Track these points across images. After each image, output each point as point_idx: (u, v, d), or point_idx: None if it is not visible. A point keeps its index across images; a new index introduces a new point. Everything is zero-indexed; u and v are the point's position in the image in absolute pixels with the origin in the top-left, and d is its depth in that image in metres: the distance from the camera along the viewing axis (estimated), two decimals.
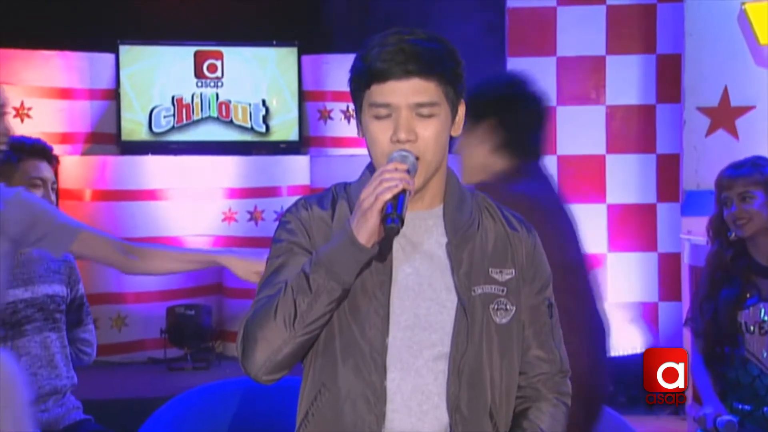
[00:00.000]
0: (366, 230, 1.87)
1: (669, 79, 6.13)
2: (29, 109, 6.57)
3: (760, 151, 4.31)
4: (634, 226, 6.30)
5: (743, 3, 5.70)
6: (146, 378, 6.21)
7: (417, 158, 1.94)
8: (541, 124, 2.79)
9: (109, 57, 6.88)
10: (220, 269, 7.58)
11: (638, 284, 6.30)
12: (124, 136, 6.86)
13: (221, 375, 6.07)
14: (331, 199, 2.07)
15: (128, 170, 6.67)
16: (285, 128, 7.09)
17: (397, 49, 1.94)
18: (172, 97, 6.94)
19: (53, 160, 3.42)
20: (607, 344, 2.68)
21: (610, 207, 6.31)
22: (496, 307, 2.02)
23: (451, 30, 5.88)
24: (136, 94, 6.91)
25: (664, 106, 6.23)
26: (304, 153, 7.10)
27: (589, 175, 6.30)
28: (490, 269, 2.03)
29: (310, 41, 6.99)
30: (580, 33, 6.25)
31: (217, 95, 7.00)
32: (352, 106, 2.13)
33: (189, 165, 6.82)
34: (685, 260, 5.68)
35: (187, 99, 6.96)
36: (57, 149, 3.75)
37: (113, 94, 6.89)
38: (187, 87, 6.96)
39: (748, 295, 3.39)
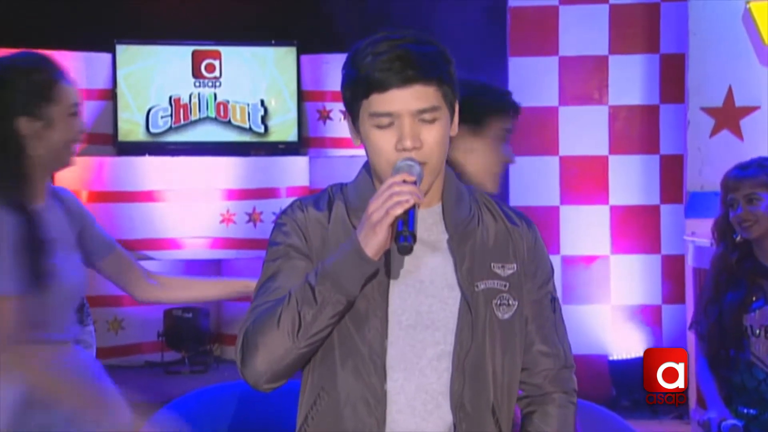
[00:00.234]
0: (375, 244, 1.86)
1: (673, 79, 6.12)
2: None
3: (765, 151, 4.32)
4: (638, 228, 6.29)
5: (748, 2, 5.70)
6: (143, 381, 6.20)
7: (422, 164, 1.93)
8: None
9: (105, 56, 6.88)
10: (218, 270, 7.57)
11: (641, 286, 6.29)
12: (121, 137, 6.85)
13: (219, 378, 6.08)
14: (327, 200, 2.06)
15: (125, 171, 6.66)
16: (284, 129, 7.09)
17: (393, 57, 1.92)
18: (170, 98, 6.94)
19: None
20: None
21: (613, 208, 6.30)
22: (498, 302, 2.02)
23: (452, 29, 5.87)
24: (133, 94, 6.90)
25: (667, 107, 6.23)
26: (303, 154, 7.10)
27: (592, 176, 6.30)
28: (492, 264, 2.03)
29: (310, 41, 6.99)
30: (583, 32, 6.24)
31: (215, 95, 7.00)
32: None
33: (187, 166, 6.82)
34: (689, 262, 5.67)
35: (185, 99, 6.96)
36: None
37: (110, 94, 6.89)
38: (184, 87, 6.96)
39: (753, 298, 3.39)
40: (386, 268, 1.97)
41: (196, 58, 6.97)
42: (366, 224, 1.86)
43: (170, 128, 6.93)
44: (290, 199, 6.59)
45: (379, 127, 1.95)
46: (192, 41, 6.95)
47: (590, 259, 6.29)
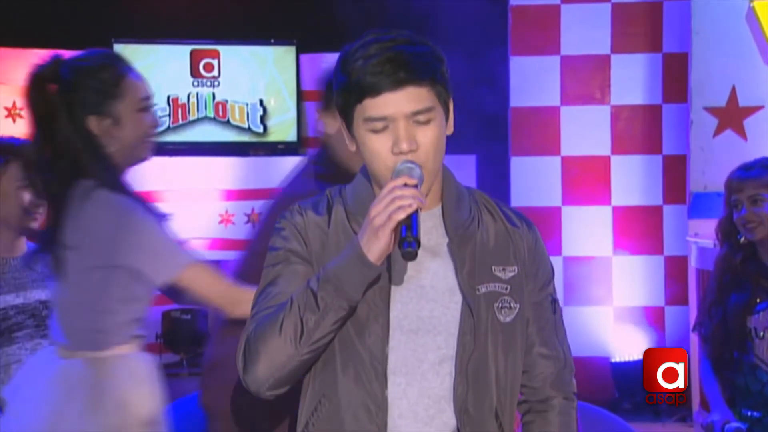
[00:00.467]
0: (377, 249, 1.85)
1: (675, 78, 6.12)
2: (21, 109, 6.55)
3: None
4: (640, 229, 6.29)
5: (752, 1, 5.69)
6: None
7: (420, 167, 1.93)
8: None
9: None
10: None
11: (644, 288, 6.29)
12: None
13: None
14: (326, 204, 2.05)
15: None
16: (283, 129, 7.08)
17: (384, 59, 1.91)
18: (168, 97, 6.93)
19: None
20: None
21: (615, 209, 6.30)
22: (500, 305, 2.02)
23: (453, 28, 5.86)
24: None
25: (670, 106, 6.22)
26: (303, 154, 7.08)
27: (594, 176, 6.29)
28: (493, 267, 2.02)
29: (309, 40, 6.97)
30: (585, 31, 6.24)
31: (213, 95, 6.99)
32: None
33: (185, 166, 6.81)
34: (692, 263, 5.67)
35: (183, 99, 6.95)
36: None
37: None
38: (182, 86, 6.95)
39: (757, 300, 3.38)
40: (387, 273, 1.96)
41: (195, 58, 6.96)
42: (368, 229, 1.85)
43: (168, 128, 6.93)
44: None
45: (374, 131, 1.94)
46: (190, 40, 6.94)
47: (592, 260, 6.28)
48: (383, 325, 1.96)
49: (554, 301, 2.13)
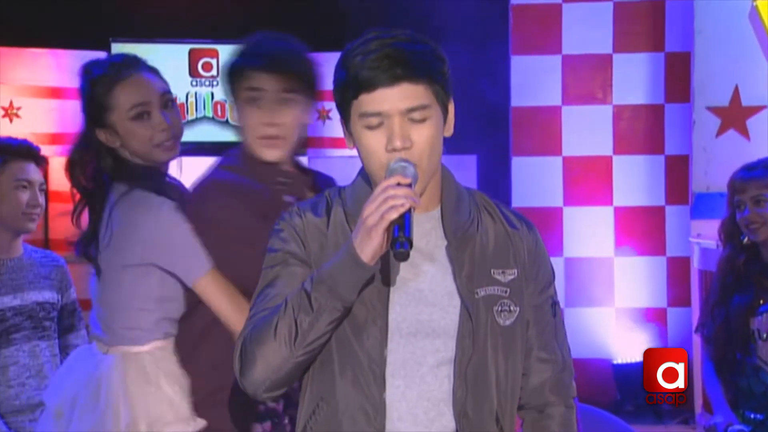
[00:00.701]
0: (370, 249, 1.85)
1: (678, 77, 6.11)
2: (18, 108, 6.55)
3: None
4: (642, 230, 6.28)
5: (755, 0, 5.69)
6: None
7: (414, 166, 1.92)
8: None
9: (100, 55, 6.86)
10: None
11: (646, 289, 6.28)
12: None
13: None
14: (325, 205, 2.05)
15: None
16: None
17: (381, 55, 1.92)
18: None
19: (41, 161, 3.41)
20: None
21: (617, 209, 6.29)
22: (499, 308, 2.02)
23: (454, 27, 5.86)
24: None
25: (672, 106, 6.21)
26: (302, 154, 7.07)
27: (596, 176, 6.29)
28: (492, 270, 2.02)
29: (308, 39, 6.96)
30: (586, 30, 6.23)
31: (212, 94, 6.99)
32: None
33: (183, 166, 6.80)
34: (695, 264, 5.67)
35: (182, 98, 6.95)
36: (47, 150, 3.74)
37: None
38: (181, 86, 6.94)
39: (761, 302, 3.39)
40: (385, 276, 1.96)
41: (193, 57, 6.95)
42: (361, 229, 1.85)
43: None
44: None
45: (369, 127, 1.95)
46: (189, 39, 6.94)
47: (594, 261, 6.28)
48: (382, 328, 1.96)
49: (555, 304, 2.13)
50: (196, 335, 2.69)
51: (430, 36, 2.01)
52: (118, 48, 6.83)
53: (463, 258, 2.00)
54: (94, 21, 6.63)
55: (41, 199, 3.38)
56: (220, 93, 6.98)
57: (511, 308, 2.03)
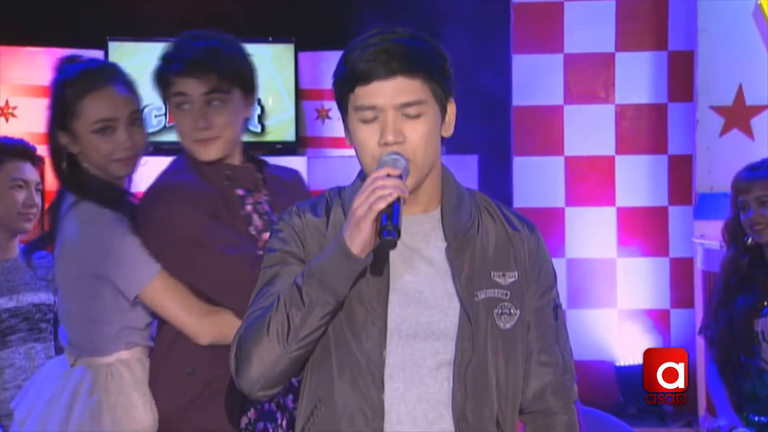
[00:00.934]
0: (359, 241, 1.85)
1: (681, 76, 6.11)
2: (14, 108, 6.55)
3: None
4: (645, 230, 6.28)
5: None
6: None
7: (407, 161, 1.93)
8: None
9: (97, 54, 6.86)
10: None
11: (649, 290, 6.28)
12: None
13: None
14: (325, 205, 2.06)
15: None
16: (281, 128, 7.08)
17: (380, 49, 1.93)
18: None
19: (37, 161, 3.41)
20: None
21: (619, 210, 6.29)
22: (500, 311, 2.02)
23: (454, 26, 5.87)
24: None
25: (675, 105, 6.21)
26: (301, 154, 7.09)
27: (598, 176, 6.29)
28: (492, 273, 2.02)
29: (308, 37, 6.97)
30: (589, 29, 6.23)
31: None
32: None
33: None
34: (698, 265, 5.66)
35: None
36: (43, 150, 3.73)
37: None
38: None
39: (765, 303, 3.39)
40: (385, 276, 1.96)
41: None
42: (351, 221, 1.86)
43: (164, 128, 6.92)
44: None
45: (364, 121, 1.96)
46: None
47: (596, 262, 6.28)
48: (381, 329, 1.96)
49: (557, 306, 2.13)
50: (167, 343, 2.68)
51: (430, 34, 2.02)
52: (115, 47, 6.84)
53: (463, 260, 2.00)
54: (91, 19, 6.63)
55: (37, 199, 3.38)
56: None
57: (512, 311, 2.03)
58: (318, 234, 2.02)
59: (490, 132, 6.27)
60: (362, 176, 2.03)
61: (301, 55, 7.06)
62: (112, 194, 2.71)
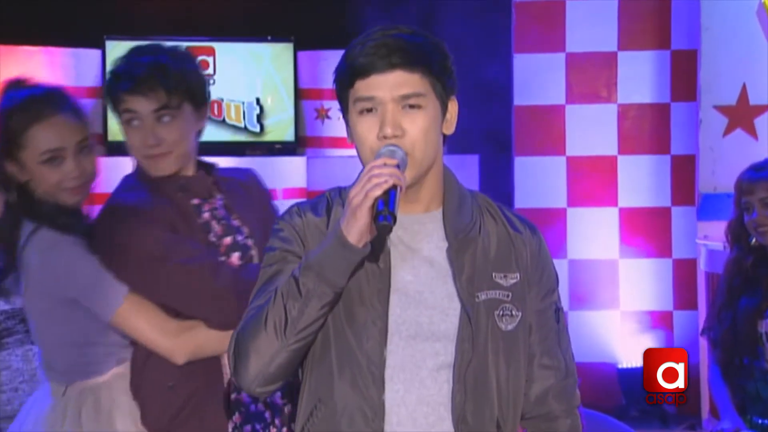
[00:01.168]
0: (356, 230, 1.86)
1: (684, 76, 6.11)
2: None
3: None
4: (648, 231, 6.28)
5: None
6: None
7: (406, 153, 1.94)
8: None
9: (95, 53, 6.86)
10: None
11: (652, 292, 6.28)
12: (111, 137, 6.84)
13: None
14: (326, 205, 2.06)
15: (115, 172, 6.58)
16: (280, 128, 7.08)
17: (380, 44, 1.95)
18: None
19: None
20: None
21: (621, 210, 6.29)
22: (501, 313, 2.02)
23: (455, 25, 5.87)
24: None
25: (679, 105, 6.22)
26: (301, 154, 7.09)
27: (600, 177, 6.29)
28: (493, 274, 2.03)
29: (307, 36, 6.97)
30: (591, 28, 6.24)
31: (208, 93, 6.99)
32: None
33: None
34: (702, 267, 5.67)
35: None
36: None
37: (99, 92, 6.87)
38: None
39: None
40: (386, 276, 1.97)
41: None
42: (347, 210, 1.87)
43: None
44: (286, 201, 6.58)
45: (362, 113, 1.97)
46: (184, 37, 6.93)
47: (598, 263, 6.28)
48: (381, 329, 1.96)
49: (558, 309, 2.13)
50: (142, 360, 2.67)
51: (431, 33, 2.03)
52: (112, 46, 6.84)
53: (464, 260, 2.01)
54: (88, 18, 6.63)
55: None
56: (216, 91, 6.99)
57: (513, 312, 2.03)
58: (319, 233, 2.02)
59: (491, 132, 6.27)
60: None
61: (301, 54, 7.06)
62: (68, 219, 2.69)
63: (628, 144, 6.27)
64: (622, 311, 6.26)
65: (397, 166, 1.89)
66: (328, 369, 1.99)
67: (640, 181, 6.28)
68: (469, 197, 2.09)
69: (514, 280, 2.05)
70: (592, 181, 6.28)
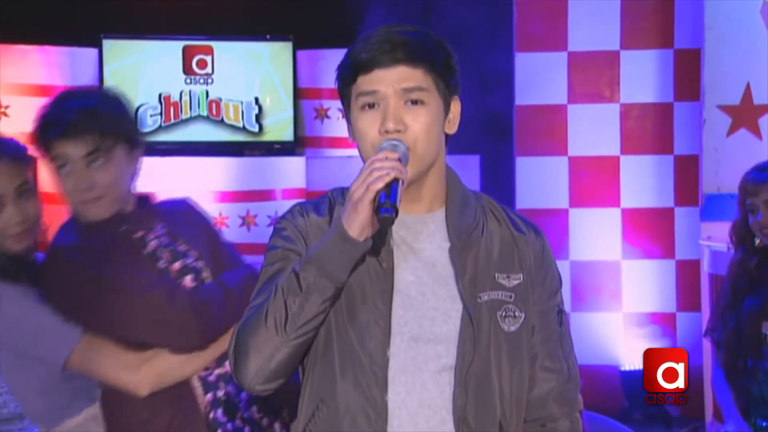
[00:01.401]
0: (357, 223, 1.86)
1: (687, 75, 6.12)
2: (6, 107, 6.56)
3: None
4: (650, 232, 6.29)
5: None
6: None
7: (408, 149, 1.94)
8: None
9: (91, 52, 6.87)
10: None
11: (655, 293, 6.29)
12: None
13: None
14: (328, 205, 2.07)
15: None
16: (279, 128, 7.09)
17: (383, 40, 1.96)
18: (159, 95, 6.93)
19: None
20: None
21: (624, 211, 6.30)
22: (503, 314, 2.02)
23: (457, 23, 5.87)
24: None
25: (682, 105, 6.23)
26: (300, 154, 7.09)
27: (603, 177, 6.30)
28: (496, 274, 2.03)
29: (306, 35, 6.98)
30: (593, 26, 6.24)
31: (206, 93, 6.99)
32: None
33: (177, 167, 6.81)
34: (705, 268, 5.67)
35: (175, 97, 6.96)
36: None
37: None
38: (175, 84, 6.95)
39: None
40: (389, 276, 1.97)
41: (187, 54, 6.96)
42: (349, 204, 1.87)
43: (160, 127, 6.93)
44: (286, 202, 6.58)
45: (364, 109, 1.97)
46: (183, 36, 6.95)
47: (600, 265, 6.29)
48: (384, 329, 1.96)
49: (561, 312, 2.13)
50: (111, 397, 2.66)
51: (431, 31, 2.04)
52: (109, 45, 6.85)
53: (466, 261, 2.01)
54: (84, 17, 6.63)
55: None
56: (215, 91, 7.00)
57: (516, 314, 2.03)
58: (321, 233, 2.02)
59: (492, 132, 6.28)
60: None
61: (300, 53, 7.07)
62: (16, 268, 2.67)
63: (630, 144, 6.28)
64: (625, 313, 6.27)
65: (399, 160, 1.89)
66: (330, 368, 1.99)
67: (643, 181, 6.28)
68: (473, 198, 2.10)
69: (517, 281, 2.05)
70: (595, 181, 6.29)
